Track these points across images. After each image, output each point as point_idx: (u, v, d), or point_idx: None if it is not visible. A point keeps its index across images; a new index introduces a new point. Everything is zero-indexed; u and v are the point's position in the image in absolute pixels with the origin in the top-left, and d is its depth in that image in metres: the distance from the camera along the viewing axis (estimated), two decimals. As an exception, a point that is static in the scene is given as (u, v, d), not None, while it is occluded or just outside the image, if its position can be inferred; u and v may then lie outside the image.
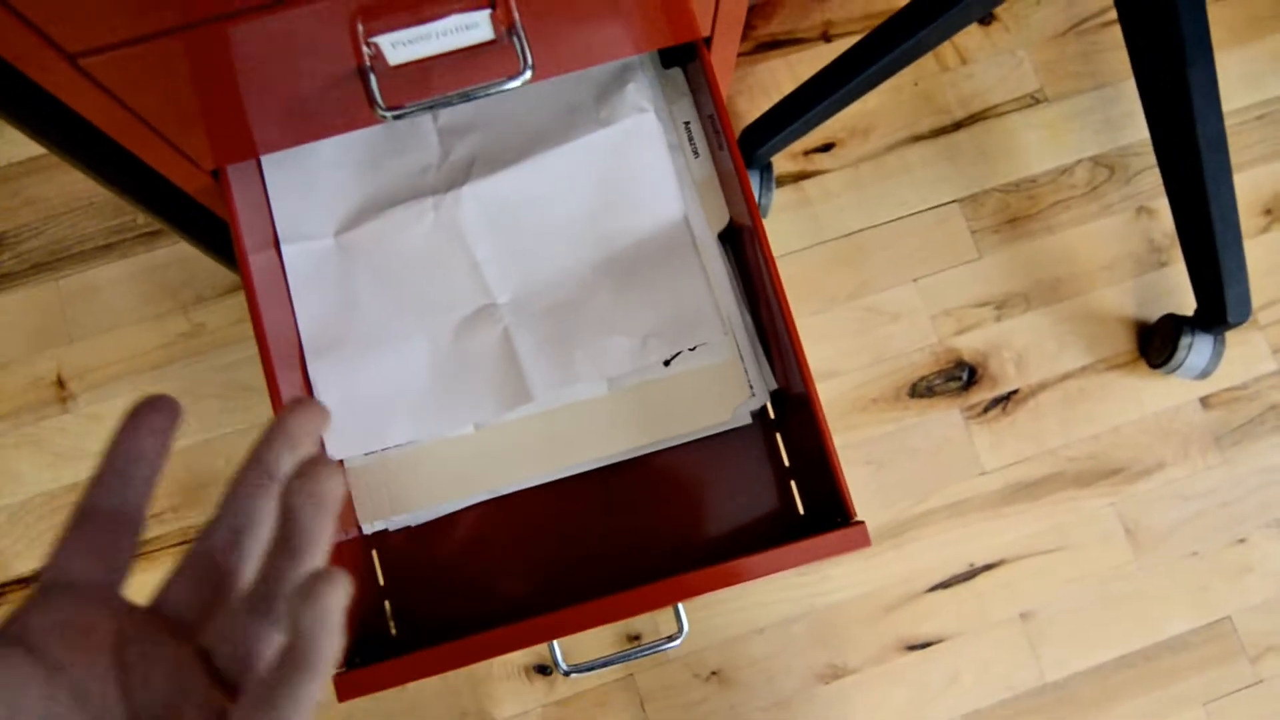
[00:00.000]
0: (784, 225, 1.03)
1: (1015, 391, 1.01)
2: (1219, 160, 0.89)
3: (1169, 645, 0.97)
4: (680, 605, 0.59)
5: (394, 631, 0.64)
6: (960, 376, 1.01)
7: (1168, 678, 0.96)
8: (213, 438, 0.98)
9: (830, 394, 1.00)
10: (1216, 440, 1.01)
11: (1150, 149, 1.06)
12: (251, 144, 0.55)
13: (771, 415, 0.65)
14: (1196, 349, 0.95)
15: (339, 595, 0.22)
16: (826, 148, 1.05)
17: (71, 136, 0.57)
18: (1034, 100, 1.07)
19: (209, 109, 0.49)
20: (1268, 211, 1.06)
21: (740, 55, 1.07)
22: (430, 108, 0.49)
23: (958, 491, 0.99)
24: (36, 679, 0.23)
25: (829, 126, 1.05)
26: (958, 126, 1.06)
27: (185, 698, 0.24)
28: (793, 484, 0.65)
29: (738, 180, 0.58)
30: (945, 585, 0.97)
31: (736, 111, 1.05)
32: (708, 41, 0.58)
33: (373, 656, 0.55)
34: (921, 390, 1.00)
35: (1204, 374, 0.97)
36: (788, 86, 1.05)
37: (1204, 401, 1.02)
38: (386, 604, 0.64)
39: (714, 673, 0.95)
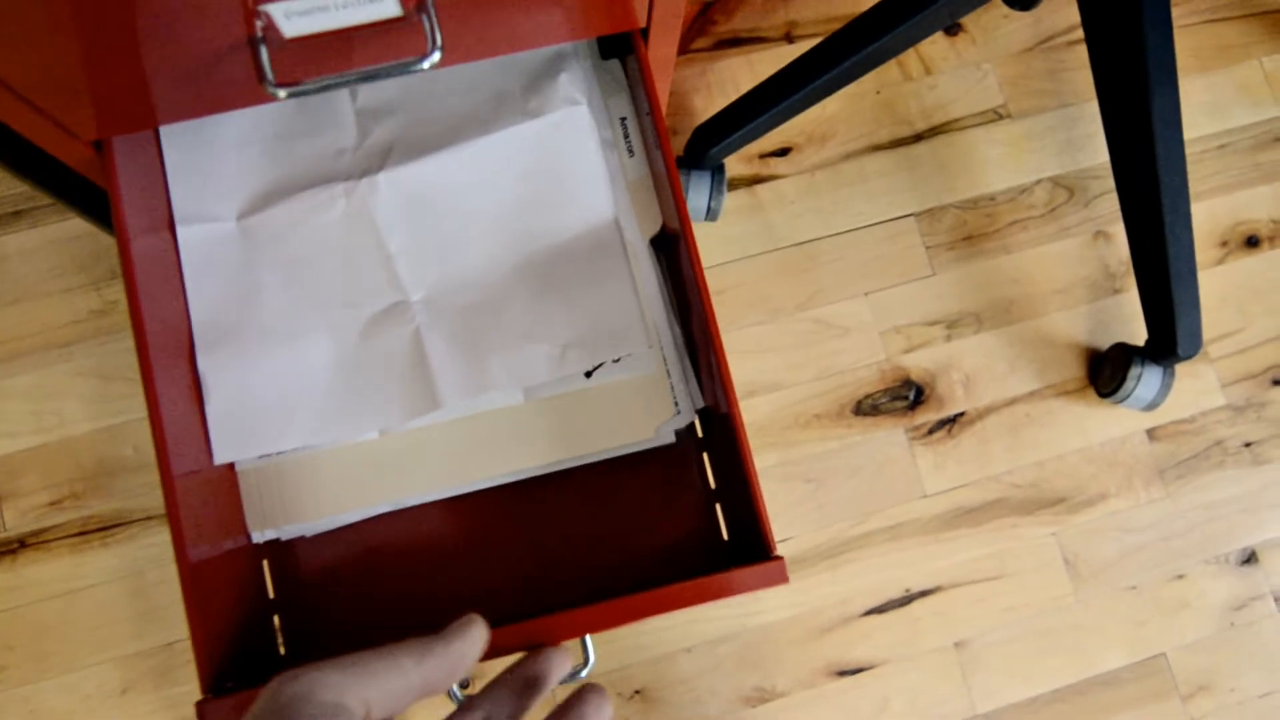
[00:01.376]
0: (735, 229, 0.99)
1: (962, 414, 0.98)
2: (1177, 189, 0.87)
3: (1102, 680, 0.95)
4: (588, 636, 0.55)
5: (283, 650, 0.59)
6: (907, 396, 0.98)
7: (1099, 713, 0.94)
8: (120, 423, 0.93)
9: (772, 407, 0.96)
10: (1160, 473, 0.99)
11: (1110, 172, 1.04)
12: (138, 115, 0.50)
13: (700, 434, 0.61)
14: (1145, 380, 0.93)
15: None
16: (782, 152, 1.01)
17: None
18: (997, 116, 1.04)
19: (84, 74, 0.44)
20: (1224, 243, 1.05)
21: (699, 51, 1.03)
22: (327, 87, 0.43)
23: (898, 514, 0.96)
24: None
25: (786, 130, 1.01)
26: (918, 138, 1.03)
27: None
28: (718, 508, 0.61)
29: (669, 183, 0.54)
30: (880, 610, 0.94)
31: (692, 109, 1.01)
32: (645, 33, 0.54)
33: (255, 678, 0.51)
34: (866, 408, 0.98)
35: (1151, 406, 0.95)
36: (746, 86, 1.01)
37: (1150, 433, 1.00)
38: (276, 619, 0.59)
39: (637, 692, 0.91)
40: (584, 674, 0.57)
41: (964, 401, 0.99)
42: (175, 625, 0.90)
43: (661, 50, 0.56)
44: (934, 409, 0.98)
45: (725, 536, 0.61)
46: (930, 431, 0.98)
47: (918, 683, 0.94)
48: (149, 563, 0.91)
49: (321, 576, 0.59)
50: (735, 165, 1.00)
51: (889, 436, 0.97)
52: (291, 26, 0.42)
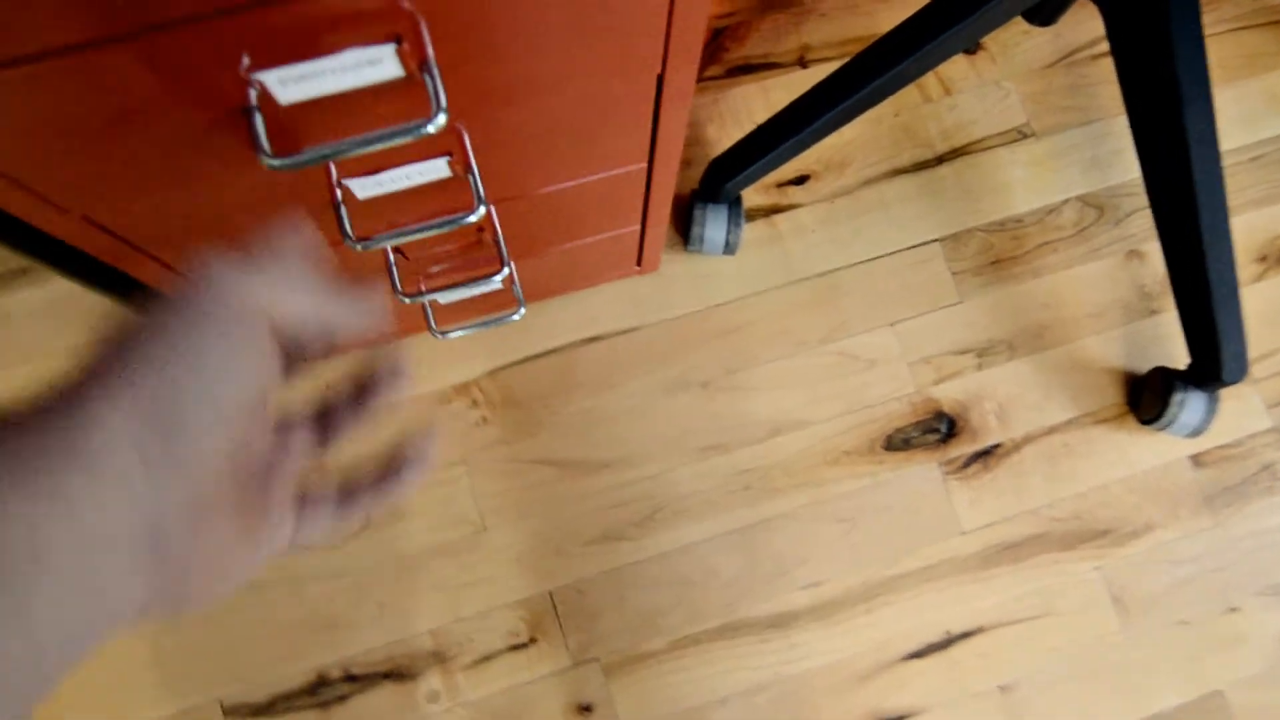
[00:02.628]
0: (753, 262, 0.96)
1: (997, 445, 0.95)
2: (1216, 210, 0.84)
3: (1157, 721, 0.91)
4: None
5: None
6: (939, 429, 0.94)
7: (1155, 756, 0.90)
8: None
9: (799, 445, 0.93)
10: (1208, 501, 0.95)
11: (1141, 189, 1.00)
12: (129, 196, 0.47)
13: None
14: (1189, 406, 0.89)
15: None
16: (800, 180, 0.98)
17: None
18: (1020, 135, 1.01)
19: (68, 155, 0.42)
20: (1263, 258, 1.01)
21: (711, 79, 1.00)
22: (324, 157, 0.41)
23: (934, 553, 0.92)
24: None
25: (803, 158, 0.98)
26: (940, 161, 1.00)
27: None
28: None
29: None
30: (920, 654, 0.90)
31: (705, 140, 0.98)
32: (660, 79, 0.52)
33: None
34: (897, 443, 0.94)
35: (1196, 432, 0.91)
36: (761, 114, 0.98)
37: (1195, 460, 0.96)
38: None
39: (670, 748, 0.87)
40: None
41: (999, 433, 0.95)
42: None
43: (678, 85, 0.53)
44: (968, 441, 0.94)
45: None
46: (965, 465, 0.94)
47: (962, 730, 0.89)
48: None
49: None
50: (752, 195, 0.97)
51: (922, 472, 0.93)
52: (287, 93, 0.40)
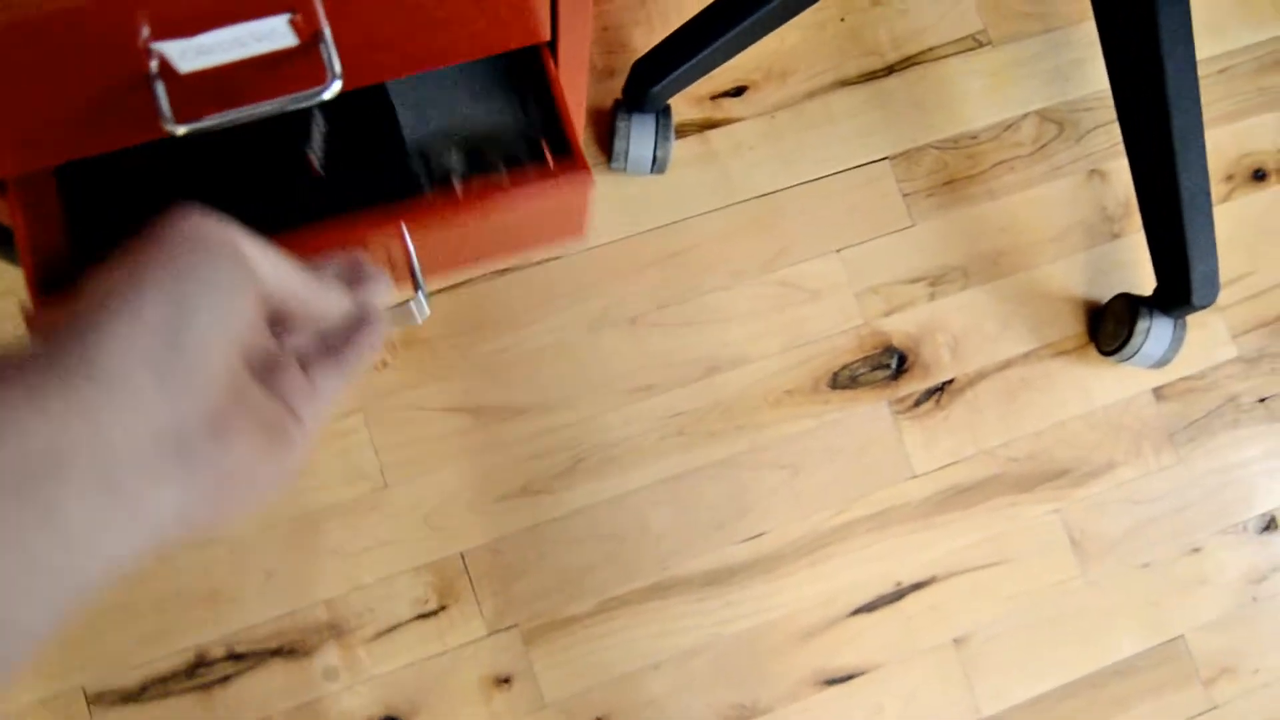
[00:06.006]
0: (686, 183, 0.86)
1: (950, 381, 0.87)
2: (1189, 113, 0.76)
3: (1116, 670, 0.86)
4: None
5: None
6: (888, 364, 0.87)
7: (1115, 707, 0.85)
8: None
9: (738, 385, 0.84)
10: (1170, 437, 0.89)
11: (1104, 103, 0.93)
12: (37, 152, 0.44)
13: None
14: (1154, 334, 0.83)
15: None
16: (737, 92, 0.88)
17: None
18: (976, 43, 0.92)
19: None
20: (1229, 177, 0.94)
21: (637, -21, 0.89)
22: (231, 122, 0.41)
23: (884, 498, 0.85)
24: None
25: (740, 66, 0.88)
26: (889, 71, 0.91)
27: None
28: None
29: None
30: (869, 608, 0.84)
31: (631, 44, 0.88)
32: (553, 46, 0.44)
33: None
34: (844, 380, 0.86)
35: (1162, 362, 0.84)
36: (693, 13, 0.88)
37: (1158, 393, 0.90)
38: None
39: (599, 718, 0.79)
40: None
41: (952, 368, 0.87)
42: None
43: (573, 61, 0.46)
44: (919, 378, 0.87)
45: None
46: (916, 403, 0.86)
47: (915, 686, 0.83)
48: None
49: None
50: (684, 108, 0.87)
51: (871, 411, 0.86)
52: (187, 63, 0.40)
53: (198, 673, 0.75)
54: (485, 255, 0.65)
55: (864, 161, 0.89)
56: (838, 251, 0.87)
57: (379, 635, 0.78)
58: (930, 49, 0.92)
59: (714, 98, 0.88)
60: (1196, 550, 0.88)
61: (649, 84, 0.75)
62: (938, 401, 0.87)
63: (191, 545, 0.76)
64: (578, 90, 0.57)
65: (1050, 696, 0.84)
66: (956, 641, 0.84)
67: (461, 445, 0.80)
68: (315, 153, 0.52)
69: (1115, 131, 0.92)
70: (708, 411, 0.84)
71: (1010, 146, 0.91)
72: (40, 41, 0.36)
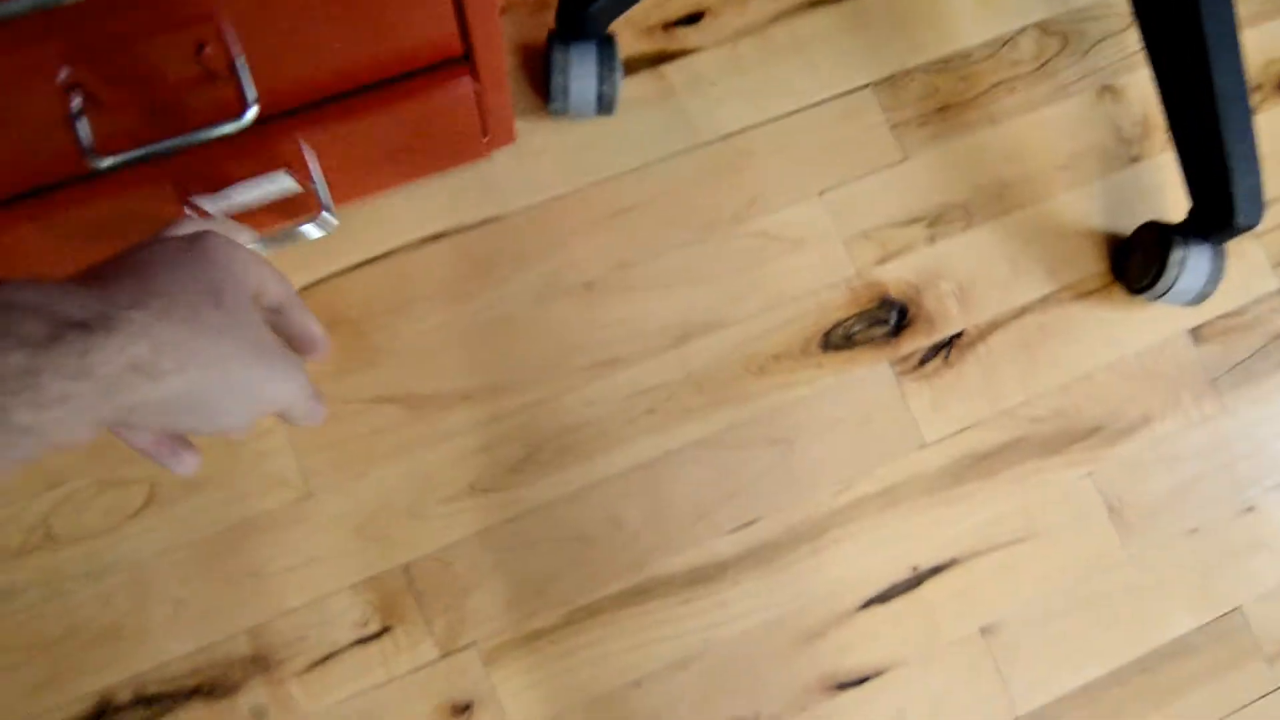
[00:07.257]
0: (640, 125, 0.75)
1: (959, 335, 0.76)
2: (1222, 9, 0.65)
3: (1169, 651, 0.75)
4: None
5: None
6: (887, 319, 0.76)
7: (1170, 693, 0.74)
8: None
9: (715, 353, 0.73)
10: (1213, 383, 0.78)
11: (1112, 10, 0.82)
12: None
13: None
14: (1191, 265, 0.72)
15: None
16: (693, 19, 0.77)
17: None
18: (962, -49, 0.81)
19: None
20: (1258, 87, 0.83)
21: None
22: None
23: (892, 473, 0.74)
24: None
25: (695, -11, 0.77)
26: (866, -13, 0.80)
27: None
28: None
29: None
30: (882, 599, 0.73)
31: (569, -27, 0.77)
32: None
33: None
34: (838, 340, 0.75)
35: (1200, 298, 0.74)
36: (638, -61, 0.77)
37: (1195, 334, 0.79)
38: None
39: (577, 747, 0.68)
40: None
41: (960, 319, 0.76)
42: None
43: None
44: (923, 333, 0.76)
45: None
46: (922, 362, 0.76)
47: (941, 685, 0.72)
48: None
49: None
50: (632, 41, 0.76)
51: (871, 374, 0.75)
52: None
53: (102, 724, 0.65)
54: (392, 171, 0.63)
55: (843, 91, 0.78)
56: (820, 194, 0.76)
57: (313, 666, 0.67)
58: (911, -40, 0.81)
59: (666, 26, 0.77)
60: (1250, 510, 0.77)
61: (585, 3, 0.64)
62: (946, 358, 0.76)
63: (85, 576, 0.65)
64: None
65: (1095, 686, 0.74)
66: (984, 631, 0.73)
67: (395, 441, 0.69)
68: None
69: (1126, 42, 0.81)
70: (681, 385, 0.73)
71: (1009, 65, 0.80)
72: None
